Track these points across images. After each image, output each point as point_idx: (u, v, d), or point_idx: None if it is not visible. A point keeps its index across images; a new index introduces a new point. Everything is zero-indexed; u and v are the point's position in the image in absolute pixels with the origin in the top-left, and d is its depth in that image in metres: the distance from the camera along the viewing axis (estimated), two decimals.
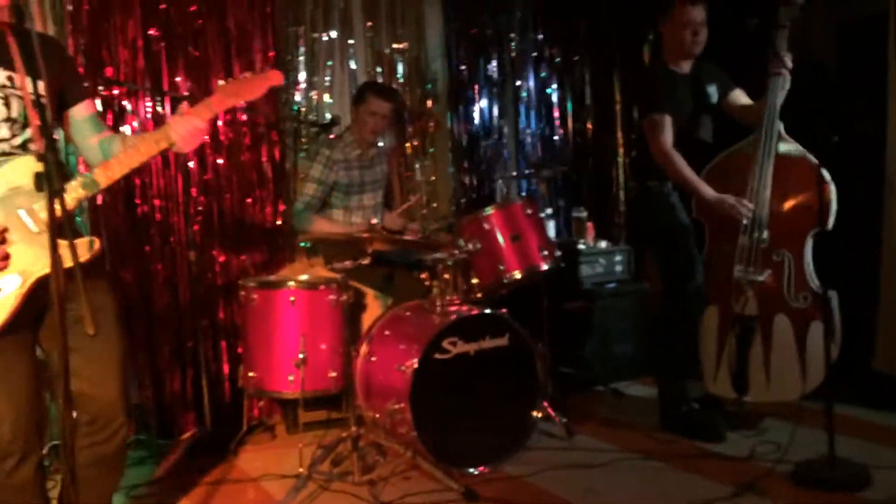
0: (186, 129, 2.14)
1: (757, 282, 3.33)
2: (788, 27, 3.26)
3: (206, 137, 2.21)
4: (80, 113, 2.28)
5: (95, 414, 2.18)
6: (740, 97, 3.59)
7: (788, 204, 3.34)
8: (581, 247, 4.54)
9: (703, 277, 3.48)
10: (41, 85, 2.09)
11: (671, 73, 3.52)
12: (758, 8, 3.21)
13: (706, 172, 3.44)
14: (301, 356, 3.20)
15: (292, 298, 3.29)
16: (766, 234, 3.32)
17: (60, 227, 1.72)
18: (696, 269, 3.48)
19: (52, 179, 1.71)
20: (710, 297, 3.47)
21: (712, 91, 3.55)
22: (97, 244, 2.07)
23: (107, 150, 2.25)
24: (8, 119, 2.08)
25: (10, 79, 2.07)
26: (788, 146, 3.35)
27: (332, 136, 4.01)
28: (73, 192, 2.05)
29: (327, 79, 4.41)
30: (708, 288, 3.48)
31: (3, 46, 1.94)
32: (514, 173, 5.02)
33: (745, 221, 3.30)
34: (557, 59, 5.17)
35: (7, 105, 2.07)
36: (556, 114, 5.20)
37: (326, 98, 4.41)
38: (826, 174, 3.15)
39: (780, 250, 3.33)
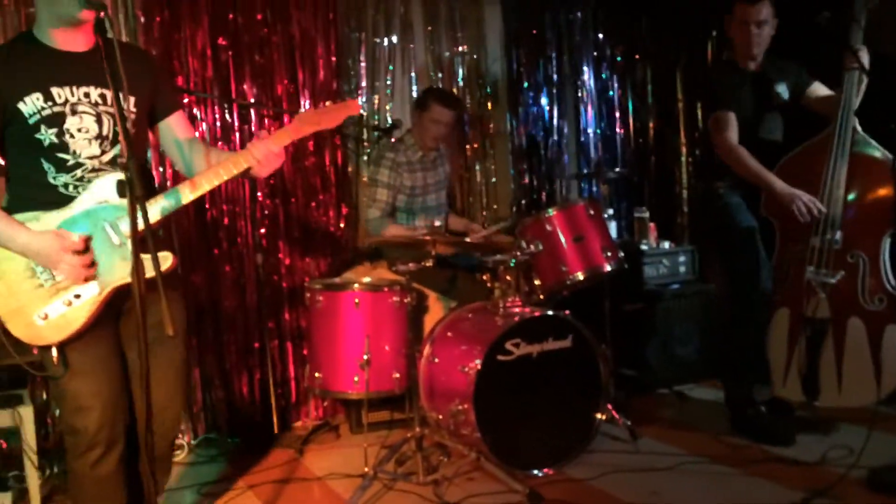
0: (263, 153, 2.22)
1: (829, 284, 3.24)
2: (863, 21, 3.17)
3: (281, 163, 2.26)
4: (173, 127, 2.37)
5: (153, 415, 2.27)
6: (819, 89, 3.50)
7: (864, 203, 3.25)
8: (644, 247, 4.49)
9: (769, 281, 3.40)
10: (132, 100, 2.18)
11: (736, 70, 3.46)
12: (830, 1, 3.13)
13: (777, 170, 3.35)
14: (365, 357, 3.25)
15: (357, 300, 3.34)
16: (838, 236, 3.23)
17: (143, 239, 1.79)
18: (763, 273, 3.41)
19: (133, 186, 1.78)
20: (781, 298, 3.39)
21: (782, 90, 3.48)
22: (172, 259, 2.16)
23: (187, 153, 2.35)
24: (99, 136, 2.16)
25: (102, 97, 2.16)
26: (864, 144, 3.25)
27: (393, 140, 4.06)
28: (158, 205, 2.13)
29: (388, 83, 4.46)
30: (778, 289, 3.40)
31: (96, 64, 2.01)
32: (576, 174, 4.99)
33: (811, 220, 3.22)
34: (619, 59, 5.13)
35: (99, 122, 2.16)
36: (618, 114, 5.16)
37: (387, 103, 4.46)
38: None
39: (854, 251, 3.24)
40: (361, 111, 4.30)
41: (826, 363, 3.28)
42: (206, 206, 3.85)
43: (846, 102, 3.22)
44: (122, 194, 1.82)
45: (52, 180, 2.13)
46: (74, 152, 2.13)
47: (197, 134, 3.71)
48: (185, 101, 3.78)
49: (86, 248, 2.09)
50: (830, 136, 3.24)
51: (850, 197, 3.24)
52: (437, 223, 3.19)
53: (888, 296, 3.20)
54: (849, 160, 3.22)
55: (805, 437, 3.34)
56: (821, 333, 3.27)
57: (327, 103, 2.39)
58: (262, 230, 3.94)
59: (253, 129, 3.94)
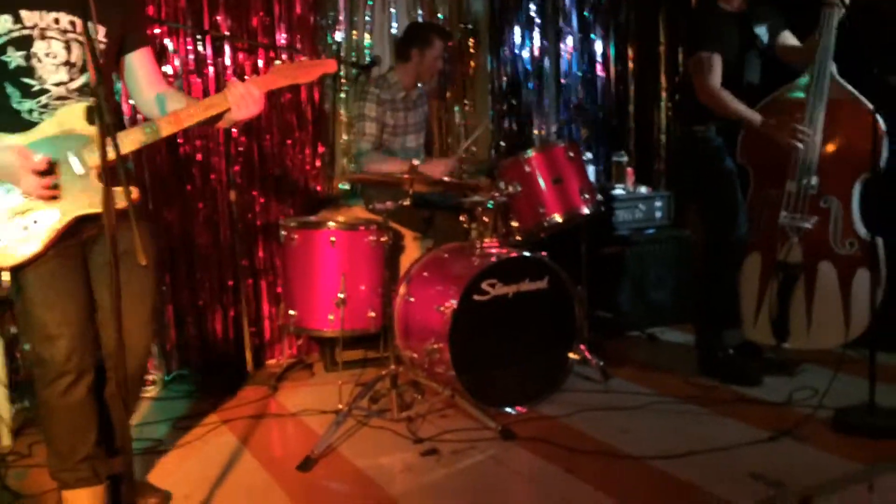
0: (240, 92, 2.15)
1: (803, 228, 3.27)
2: None
3: (260, 108, 2.20)
4: (138, 60, 2.30)
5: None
6: (788, 38, 3.48)
7: (839, 148, 3.26)
8: (620, 192, 4.50)
9: (746, 225, 3.43)
10: (102, 30, 2.12)
11: (720, 11, 3.41)
12: None
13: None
14: (341, 296, 3.25)
15: (333, 239, 3.32)
16: (814, 181, 3.25)
17: (113, 171, 1.75)
18: (741, 217, 3.43)
19: (103, 113, 1.73)
20: (753, 243, 3.43)
21: (761, 32, 3.45)
22: (135, 192, 2.09)
23: (164, 105, 2.27)
24: (67, 63, 2.11)
25: (72, 23, 2.11)
26: (841, 89, 3.25)
27: (375, 77, 3.98)
28: (135, 137, 2.08)
29: (367, 18, 4.36)
30: (751, 234, 3.44)
31: None
32: (555, 117, 4.95)
33: (800, 146, 3.22)
34: (602, 1, 5.05)
35: (67, 49, 2.10)
36: (599, 57, 5.10)
37: (366, 38, 4.36)
38: (880, 119, 3.06)
39: (828, 196, 3.27)
40: (334, 48, 4.20)
41: (796, 306, 3.33)
42: (180, 141, 3.78)
43: (823, 42, 3.20)
44: (91, 121, 1.76)
45: (16, 105, 2.08)
46: (41, 77, 2.08)
47: (170, 70, 3.70)
48: (157, 31, 3.68)
49: (48, 170, 2.04)
50: (808, 80, 3.23)
51: (826, 142, 3.25)
52: (416, 162, 3.15)
53: (859, 240, 3.24)
54: (826, 104, 3.22)
55: (772, 379, 3.41)
56: (793, 277, 3.32)
57: (304, 58, 2.34)
58: (237, 167, 3.88)
59: (227, 62, 3.85)
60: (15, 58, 2.05)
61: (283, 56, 3.94)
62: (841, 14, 3.18)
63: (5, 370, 3.03)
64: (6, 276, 2.13)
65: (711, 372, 3.51)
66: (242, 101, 2.16)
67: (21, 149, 2.02)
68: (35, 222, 2.07)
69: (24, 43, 2.06)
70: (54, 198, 2.06)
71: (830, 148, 3.26)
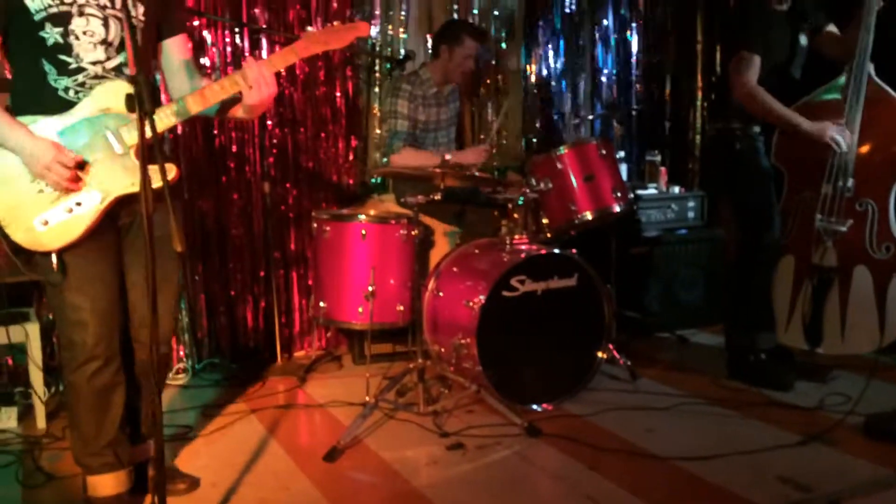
0: (255, 74, 2.16)
1: (838, 232, 3.22)
2: None
3: (274, 91, 2.22)
4: (175, 48, 2.32)
5: (135, 333, 2.32)
6: (832, 30, 3.41)
7: (876, 150, 3.20)
8: (653, 191, 4.46)
9: (780, 227, 3.39)
10: (140, 8, 2.13)
11: (769, 11, 3.29)
12: None
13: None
14: (370, 289, 3.26)
15: (363, 232, 3.33)
16: (850, 183, 3.20)
17: (150, 150, 1.78)
18: (775, 219, 3.38)
19: (142, 101, 1.76)
20: (787, 245, 3.38)
21: (802, 38, 3.39)
22: (175, 171, 2.13)
23: (180, 79, 2.31)
24: (104, 41, 2.12)
25: (111, 0, 2.11)
26: (878, 89, 3.19)
27: (407, 73, 3.99)
28: (165, 117, 2.10)
29: (403, 13, 4.37)
30: (785, 237, 3.39)
31: None
32: (589, 115, 4.93)
33: (838, 151, 3.16)
34: None
35: (105, 26, 2.11)
36: (634, 54, 5.06)
37: (401, 32, 4.38)
38: None
39: (864, 199, 3.21)
40: (369, 42, 4.22)
41: (830, 311, 3.28)
42: (215, 132, 3.82)
43: (863, 40, 3.12)
44: (130, 108, 1.79)
45: (52, 83, 2.09)
46: (78, 55, 2.09)
47: (207, 62, 3.74)
48: (196, 23, 3.72)
49: (79, 168, 2.07)
50: (846, 80, 3.17)
51: (864, 144, 3.20)
52: (448, 156, 3.15)
53: (895, 244, 3.18)
54: (863, 105, 3.16)
55: (804, 384, 3.37)
56: (827, 281, 3.27)
57: (336, 23, 2.34)
58: (271, 159, 3.91)
59: (264, 55, 3.88)
60: (53, 34, 2.06)
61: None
62: (880, 4, 3.12)
63: (41, 354, 3.10)
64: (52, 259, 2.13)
65: (741, 375, 3.47)
66: (256, 81, 2.16)
67: (57, 144, 2.05)
68: (78, 204, 2.09)
69: (62, 19, 2.06)
70: (79, 189, 2.08)
71: (867, 150, 3.20)
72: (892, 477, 2.49)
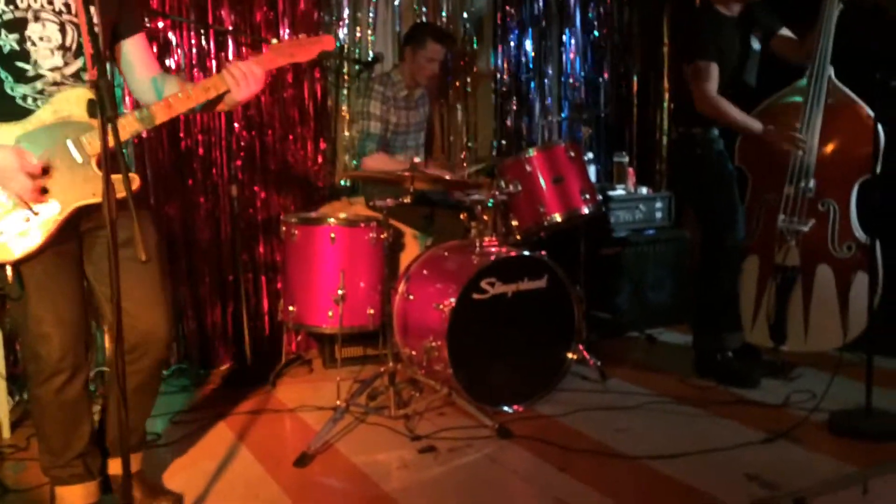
0: (241, 72, 2.14)
1: (800, 232, 3.28)
2: None
3: (260, 87, 2.19)
4: (133, 46, 2.26)
5: (136, 341, 2.21)
6: (786, 33, 3.47)
7: (837, 152, 3.27)
8: (622, 192, 4.50)
9: (744, 228, 3.44)
10: (96, 12, 2.09)
11: (719, 17, 3.39)
12: None
13: (753, 116, 3.36)
14: (340, 293, 3.25)
15: (333, 235, 3.32)
16: (812, 184, 3.26)
17: (112, 158, 1.74)
18: (739, 220, 3.44)
19: (104, 107, 1.73)
20: (752, 246, 3.44)
21: (754, 41, 3.45)
22: (137, 180, 2.07)
23: (160, 88, 2.25)
24: (62, 47, 2.08)
25: (66, 5, 2.07)
26: (837, 92, 3.25)
27: (380, 74, 3.98)
28: (129, 125, 2.06)
29: (371, 15, 4.36)
30: (749, 237, 3.44)
31: None
32: (558, 117, 4.95)
33: (798, 153, 3.22)
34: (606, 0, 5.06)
35: (62, 32, 2.07)
36: (602, 57, 5.10)
37: (369, 35, 4.36)
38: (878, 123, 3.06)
39: (825, 200, 3.27)
40: (338, 44, 4.20)
41: (794, 309, 3.34)
42: (181, 135, 3.78)
43: (822, 43, 3.18)
44: (92, 115, 1.75)
45: (9, 91, 2.04)
46: (35, 62, 2.04)
47: (173, 64, 3.70)
48: (161, 25, 3.68)
49: (42, 173, 2.01)
50: (805, 84, 3.23)
51: (824, 145, 3.26)
52: (417, 160, 3.16)
53: (857, 243, 3.24)
54: (823, 108, 3.22)
55: (770, 381, 3.42)
56: (791, 280, 3.33)
57: (301, 36, 2.32)
58: (238, 162, 3.88)
59: (230, 57, 3.85)
60: (8, 41, 2.01)
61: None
62: (839, 8, 3.18)
63: (4, 362, 3.04)
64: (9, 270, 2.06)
65: (708, 373, 3.52)
66: (243, 79, 2.14)
67: (18, 150, 1.99)
68: (36, 214, 2.03)
69: (17, 26, 2.01)
70: (44, 200, 2.02)
71: (828, 151, 3.27)
72: (856, 474, 2.53)
